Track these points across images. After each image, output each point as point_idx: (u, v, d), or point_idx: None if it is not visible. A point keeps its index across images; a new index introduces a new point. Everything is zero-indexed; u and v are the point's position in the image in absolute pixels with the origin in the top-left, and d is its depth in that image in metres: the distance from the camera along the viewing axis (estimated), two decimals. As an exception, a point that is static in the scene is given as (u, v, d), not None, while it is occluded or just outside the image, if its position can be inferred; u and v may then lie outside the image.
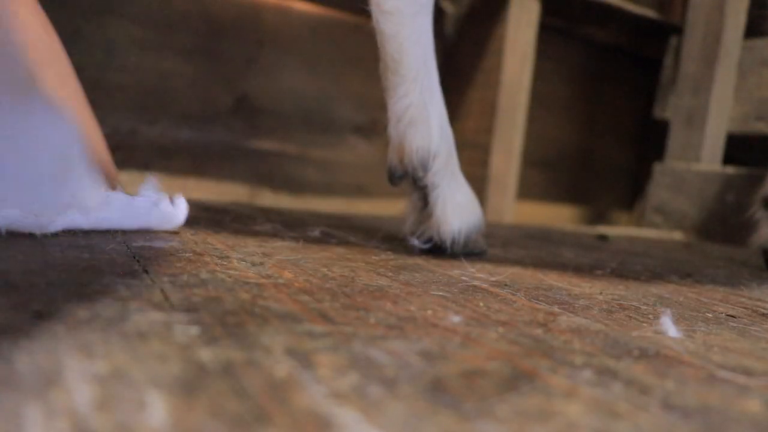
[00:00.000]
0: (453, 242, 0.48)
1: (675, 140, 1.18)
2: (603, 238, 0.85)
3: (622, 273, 0.49)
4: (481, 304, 0.31)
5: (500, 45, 1.10)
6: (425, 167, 0.47)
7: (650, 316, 0.33)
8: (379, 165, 1.17)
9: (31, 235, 0.37)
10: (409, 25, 0.46)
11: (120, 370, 0.17)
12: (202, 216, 0.58)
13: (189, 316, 0.23)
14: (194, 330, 0.22)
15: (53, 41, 0.54)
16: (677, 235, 1.10)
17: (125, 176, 0.98)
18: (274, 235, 0.50)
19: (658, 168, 1.19)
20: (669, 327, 0.30)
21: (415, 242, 0.49)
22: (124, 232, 0.42)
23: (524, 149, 1.19)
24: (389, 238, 0.55)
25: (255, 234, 0.49)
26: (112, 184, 0.44)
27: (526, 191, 1.33)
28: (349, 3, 1.06)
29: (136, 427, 0.14)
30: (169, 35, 1.00)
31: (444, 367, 0.21)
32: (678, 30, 1.25)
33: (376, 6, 0.46)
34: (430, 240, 0.48)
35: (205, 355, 0.19)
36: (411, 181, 0.49)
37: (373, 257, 0.44)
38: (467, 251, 0.49)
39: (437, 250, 0.48)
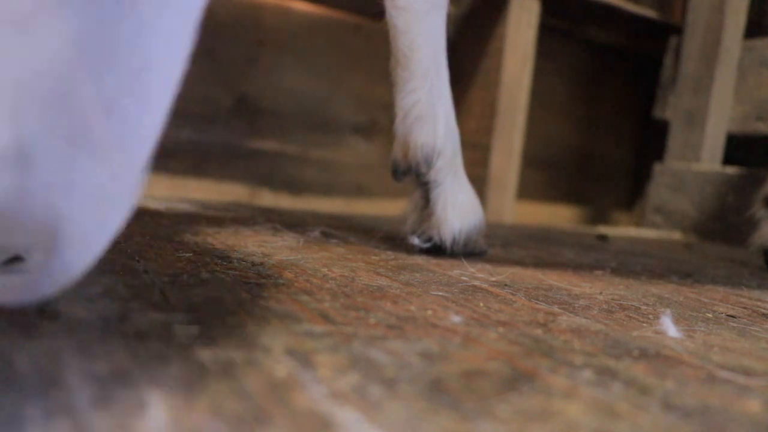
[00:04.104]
0: (453, 242, 0.48)
1: (675, 140, 1.18)
2: (603, 238, 0.85)
3: (622, 273, 0.49)
4: (481, 304, 0.31)
5: (500, 45, 1.10)
6: (429, 163, 0.48)
7: (650, 316, 0.33)
8: (379, 165, 1.17)
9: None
10: (421, 22, 0.46)
11: (120, 370, 0.17)
12: (202, 216, 0.58)
13: (189, 316, 0.23)
14: (194, 330, 0.22)
15: None
16: (677, 235, 1.10)
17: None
18: (274, 235, 0.50)
19: (658, 168, 1.19)
20: (669, 327, 0.30)
21: (416, 242, 0.49)
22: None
23: (524, 149, 1.19)
24: (389, 238, 0.55)
25: (255, 234, 0.49)
26: None
27: (526, 191, 1.33)
28: (349, 3, 1.06)
29: (136, 427, 0.14)
30: (169, 35, 1.00)
31: (444, 367, 0.21)
32: (678, 30, 1.25)
33: (390, 1, 0.46)
34: (430, 239, 0.48)
35: (205, 355, 0.19)
36: (414, 177, 0.49)
37: (373, 257, 0.44)
38: (467, 251, 0.49)
39: (437, 249, 0.48)
